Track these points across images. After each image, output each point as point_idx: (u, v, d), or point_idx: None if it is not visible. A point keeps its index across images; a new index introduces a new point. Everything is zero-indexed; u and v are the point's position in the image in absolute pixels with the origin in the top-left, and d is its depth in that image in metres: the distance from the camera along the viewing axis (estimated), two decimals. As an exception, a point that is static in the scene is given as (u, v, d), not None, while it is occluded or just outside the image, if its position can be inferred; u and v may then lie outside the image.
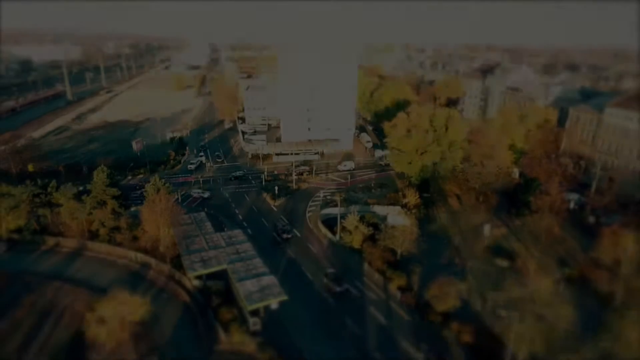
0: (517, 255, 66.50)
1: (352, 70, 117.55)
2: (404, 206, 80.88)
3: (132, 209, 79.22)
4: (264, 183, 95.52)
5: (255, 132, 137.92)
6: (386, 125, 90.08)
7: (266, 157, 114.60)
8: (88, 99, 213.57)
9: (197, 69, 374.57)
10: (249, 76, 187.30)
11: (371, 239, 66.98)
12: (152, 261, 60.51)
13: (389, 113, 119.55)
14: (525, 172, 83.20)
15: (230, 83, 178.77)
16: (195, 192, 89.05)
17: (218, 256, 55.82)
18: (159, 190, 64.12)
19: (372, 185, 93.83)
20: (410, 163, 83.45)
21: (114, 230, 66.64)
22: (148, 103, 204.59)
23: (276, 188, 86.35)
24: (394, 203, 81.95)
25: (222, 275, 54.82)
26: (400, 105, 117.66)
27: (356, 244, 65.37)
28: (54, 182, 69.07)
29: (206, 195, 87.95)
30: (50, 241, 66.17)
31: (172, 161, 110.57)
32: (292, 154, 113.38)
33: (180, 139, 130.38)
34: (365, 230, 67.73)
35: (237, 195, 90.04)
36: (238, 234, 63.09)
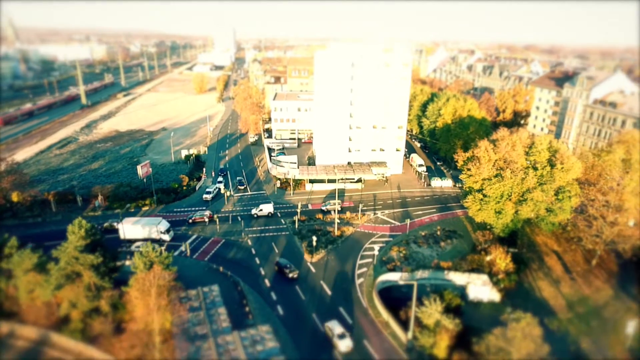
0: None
1: (402, 77, 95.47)
2: (490, 273, 58.75)
3: (127, 263, 60.27)
4: (297, 225, 74.69)
5: (283, 149, 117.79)
6: (460, 157, 68.00)
7: (298, 183, 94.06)
8: (103, 103, 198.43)
9: (221, 69, 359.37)
10: (277, 79, 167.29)
11: (461, 340, 45.25)
12: (138, 379, 40.37)
13: (450, 132, 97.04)
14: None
15: (255, 88, 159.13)
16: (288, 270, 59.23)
17: (235, 391, 35.23)
18: (152, 265, 44.01)
19: (438, 232, 71.72)
20: (499, 213, 60.95)
21: (93, 312, 47.12)
22: (166, 109, 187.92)
23: (314, 239, 65.23)
24: (476, 268, 59.84)
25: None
26: (465, 125, 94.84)
27: (441, 353, 43.57)
28: (13, 240, 49.96)
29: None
30: (3, 327, 47.10)
31: (184, 188, 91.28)
32: (329, 181, 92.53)
33: (197, 157, 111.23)
34: (451, 325, 45.92)
35: (262, 243, 69.62)
36: (266, 334, 42.43)
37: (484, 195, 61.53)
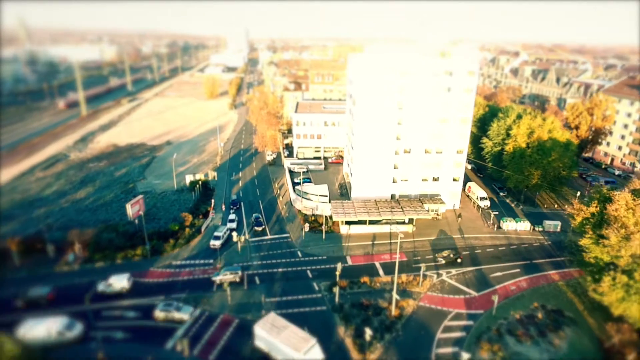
0: None
1: (466, 89, 74.61)
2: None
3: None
4: (337, 297, 54.30)
5: (308, 172, 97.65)
6: (578, 212, 46.87)
7: (331, 223, 73.95)
8: (105, 110, 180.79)
9: (234, 70, 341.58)
10: (298, 86, 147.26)
11: None
12: None
13: (523, 159, 75.76)
14: None
15: (272, 96, 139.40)
16: None
17: None
18: None
19: (540, 315, 50.68)
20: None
21: None
22: (173, 116, 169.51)
23: (367, 332, 44.74)
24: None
25: None
26: (546, 150, 73.56)
27: None
28: None
29: None
30: None
31: (187, 229, 71.83)
32: (370, 222, 72.09)
33: (205, 184, 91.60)
34: None
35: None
36: None
37: (630, 278, 40.43)
